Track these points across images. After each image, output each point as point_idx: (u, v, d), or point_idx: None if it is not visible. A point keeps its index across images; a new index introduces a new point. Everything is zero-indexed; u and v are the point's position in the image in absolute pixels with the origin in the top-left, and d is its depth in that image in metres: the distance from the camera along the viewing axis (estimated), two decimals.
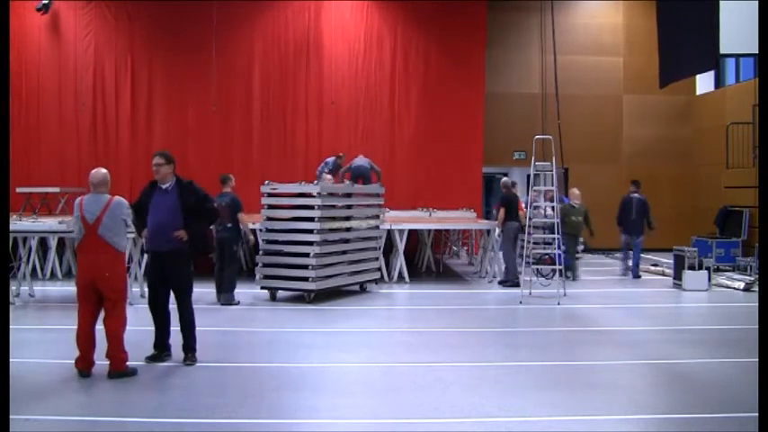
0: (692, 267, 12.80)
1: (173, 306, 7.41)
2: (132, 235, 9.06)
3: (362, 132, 17.63)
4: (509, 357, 7.81)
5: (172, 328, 7.41)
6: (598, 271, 15.66)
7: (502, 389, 6.68)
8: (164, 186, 7.26)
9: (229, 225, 10.97)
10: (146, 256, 12.83)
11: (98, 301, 6.85)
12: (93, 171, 6.99)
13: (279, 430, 5.62)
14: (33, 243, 12.72)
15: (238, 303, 10.95)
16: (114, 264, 6.84)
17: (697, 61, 13.02)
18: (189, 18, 17.07)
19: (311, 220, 11.14)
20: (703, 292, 12.04)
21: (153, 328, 7.43)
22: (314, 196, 11.20)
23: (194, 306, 7.47)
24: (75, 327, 6.87)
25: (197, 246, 7.31)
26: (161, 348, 7.41)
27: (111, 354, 6.78)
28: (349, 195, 12.16)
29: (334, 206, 11.73)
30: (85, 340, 6.81)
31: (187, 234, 7.12)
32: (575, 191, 14.69)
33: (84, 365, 6.77)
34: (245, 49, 17.39)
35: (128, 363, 6.85)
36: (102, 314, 6.92)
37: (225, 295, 10.92)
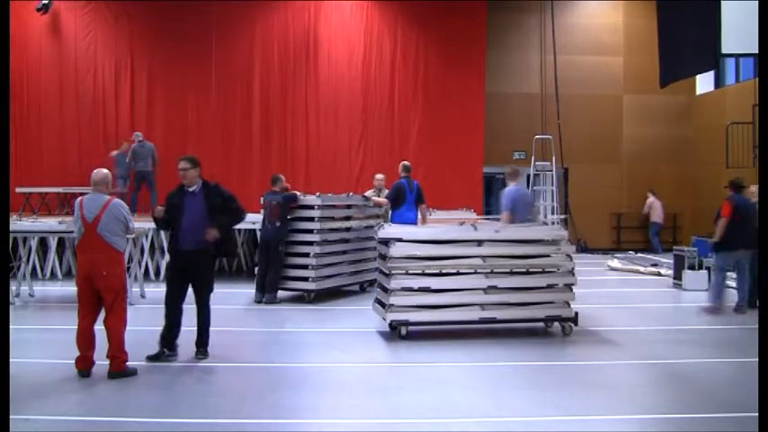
0: (691, 267, 12.80)
1: (187, 306, 7.43)
2: (131, 236, 9.06)
3: (362, 132, 17.64)
4: (509, 357, 7.80)
5: (185, 328, 7.40)
6: (599, 271, 15.66)
7: (502, 389, 6.68)
8: (191, 189, 7.44)
9: (278, 224, 11.01)
10: (146, 254, 12.92)
11: (97, 300, 6.86)
12: (95, 170, 7.08)
13: (279, 430, 5.62)
14: (33, 243, 12.72)
15: (279, 302, 11.01)
16: (112, 263, 6.84)
17: (697, 61, 13.03)
18: (189, 18, 17.07)
19: (311, 220, 11.14)
20: (703, 291, 12.03)
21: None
22: (314, 208, 11.22)
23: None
24: (75, 327, 6.87)
25: (224, 247, 7.53)
26: (168, 346, 7.39)
27: (111, 354, 6.79)
28: (349, 207, 12.16)
29: (334, 206, 11.74)
30: (85, 340, 6.81)
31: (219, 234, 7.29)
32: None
33: (84, 365, 6.77)
34: (245, 49, 17.39)
35: (128, 363, 6.85)
36: (102, 314, 6.93)
37: (268, 295, 10.98)
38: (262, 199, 11.46)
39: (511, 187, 10.05)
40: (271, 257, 11.04)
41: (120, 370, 6.76)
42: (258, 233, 12.30)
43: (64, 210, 15.11)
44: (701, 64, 13.20)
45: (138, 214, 13.44)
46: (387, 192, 12.09)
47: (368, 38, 17.76)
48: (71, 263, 13.66)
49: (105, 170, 7.12)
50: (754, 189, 11.18)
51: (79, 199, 7.00)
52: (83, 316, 6.86)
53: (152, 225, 12.75)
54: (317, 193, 11.70)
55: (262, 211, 11.46)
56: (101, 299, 6.84)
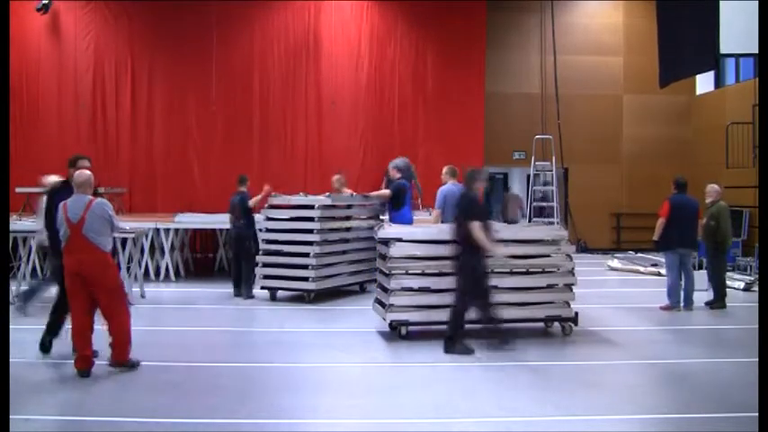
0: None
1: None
2: (132, 235, 9.07)
3: (362, 133, 17.64)
4: (509, 357, 7.80)
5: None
6: (596, 271, 15.66)
7: (502, 389, 6.68)
8: None
9: (242, 221, 11.47)
10: (146, 254, 12.92)
11: (89, 297, 6.83)
12: (78, 172, 6.99)
13: (279, 430, 5.62)
14: (33, 243, 12.70)
15: (253, 297, 11.29)
16: (102, 265, 6.81)
17: (697, 61, 13.03)
18: (189, 18, 17.07)
19: (311, 220, 11.14)
20: (703, 291, 12.03)
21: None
22: (314, 208, 11.22)
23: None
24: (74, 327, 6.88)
25: None
26: None
27: (115, 343, 6.80)
28: (350, 207, 12.16)
29: (334, 206, 11.74)
30: (81, 338, 6.80)
31: None
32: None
33: (84, 365, 6.77)
34: (245, 49, 17.39)
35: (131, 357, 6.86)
36: (100, 314, 6.92)
37: (245, 291, 11.33)
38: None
39: (445, 185, 10.29)
40: (242, 255, 11.48)
41: (122, 359, 6.77)
42: (258, 233, 12.30)
43: None
44: (700, 64, 13.21)
45: None
46: (374, 192, 12.41)
47: (368, 38, 17.76)
48: None
49: (88, 172, 7.01)
50: (708, 188, 11.39)
51: (63, 202, 6.91)
52: (76, 313, 6.84)
53: (152, 225, 12.85)
54: (327, 194, 11.73)
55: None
56: (95, 299, 6.82)
